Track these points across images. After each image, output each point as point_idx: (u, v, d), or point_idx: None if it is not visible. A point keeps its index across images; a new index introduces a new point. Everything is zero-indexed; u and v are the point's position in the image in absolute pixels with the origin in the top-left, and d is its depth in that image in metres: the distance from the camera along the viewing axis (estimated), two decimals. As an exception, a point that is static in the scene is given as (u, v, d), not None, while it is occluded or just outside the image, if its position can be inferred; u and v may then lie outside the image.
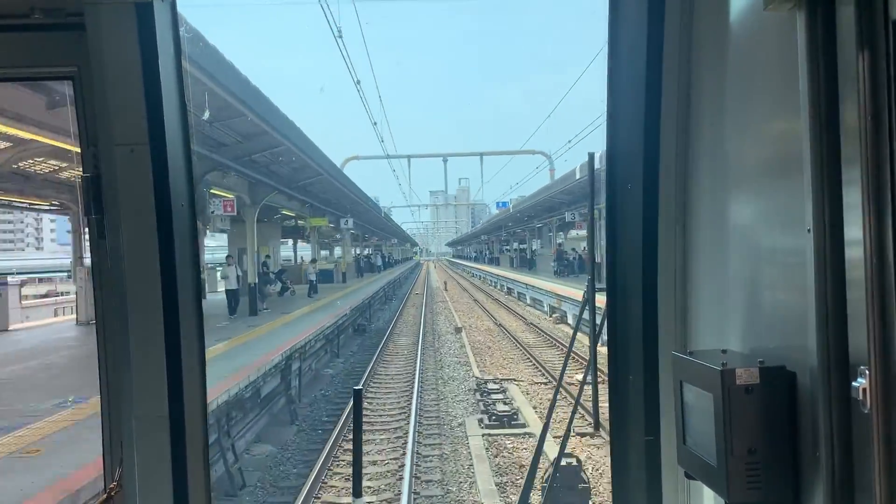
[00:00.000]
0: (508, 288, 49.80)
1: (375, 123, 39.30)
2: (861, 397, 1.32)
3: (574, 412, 4.28)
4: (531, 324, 29.54)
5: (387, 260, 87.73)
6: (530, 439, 12.80)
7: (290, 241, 56.73)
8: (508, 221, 68.40)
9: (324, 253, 65.71)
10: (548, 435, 3.93)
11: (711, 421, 1.60)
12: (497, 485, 10.46)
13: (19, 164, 18.02)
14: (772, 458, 1.55)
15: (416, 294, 54.28)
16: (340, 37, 22.47)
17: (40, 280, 53.73)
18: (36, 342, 18.63)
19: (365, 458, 11.09)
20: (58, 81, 2.31)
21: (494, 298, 45.72)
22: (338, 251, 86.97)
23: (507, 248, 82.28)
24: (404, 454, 11.92)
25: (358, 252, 63.42)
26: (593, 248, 3.47)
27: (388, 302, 44.87)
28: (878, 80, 1.28)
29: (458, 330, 27.97)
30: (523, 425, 13.66)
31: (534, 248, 65.58)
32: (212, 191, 22.00)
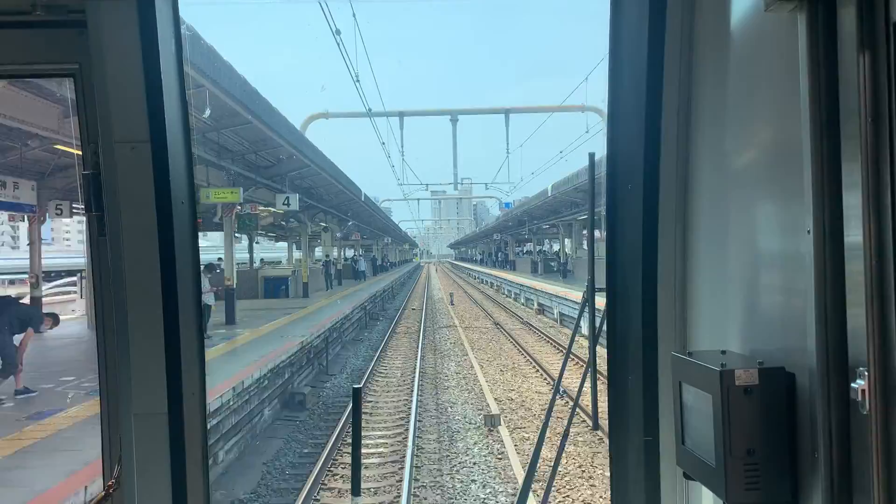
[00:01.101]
0: (542, 305, 34.62)
1: (370, 110, 32.37)
2: (860, 399, 1.32)
3: (573, 412, 4.28)
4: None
5: (378, 263, 69.33)
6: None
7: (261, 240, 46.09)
8: (537, 212, 49.87)
9: (298, 255, 46.45)
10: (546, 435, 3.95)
11: (710, 421, 1.60)
12: None
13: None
14: (770, 459, 1.55)
15: (412, 310, 39.09)
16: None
17: (11, 282, 42.47)
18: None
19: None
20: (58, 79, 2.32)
21: (524, 322, 30.54)
22: (320, 252, 62.48)
23: (526, 249, 68.17)
24: None
25: (328, 255, 44.03)
26: (593, 249, 3.48)
27: (368, 328, 30.14)
28: (878, 82, 1.28)
29: (491, 422, 13.03)
30: None
31: (567, 249, 49.36)
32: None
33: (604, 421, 2.43)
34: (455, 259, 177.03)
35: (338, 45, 20.65)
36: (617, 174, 2.18)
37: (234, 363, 13.94)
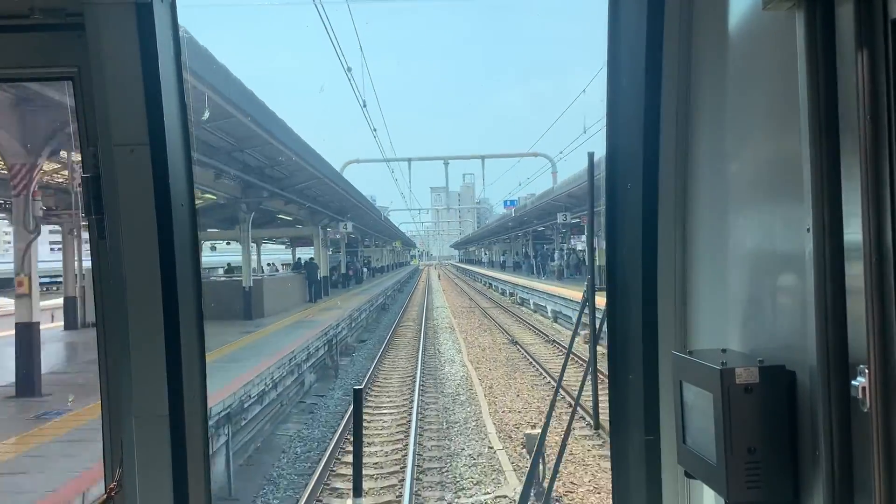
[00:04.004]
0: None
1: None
2: (860, 396, 1.32)
3: (574, 412, 4.28)
4: None
5: (332, 275, 40.74)
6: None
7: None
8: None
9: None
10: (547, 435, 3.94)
11: (711, 420, 1.60)
12: None
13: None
14: (771, 458, 1.55)
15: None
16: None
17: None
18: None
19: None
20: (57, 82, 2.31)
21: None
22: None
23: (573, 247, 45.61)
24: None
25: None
26: (593, 249, 3.48)
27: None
28: (877, 79, 1.28)
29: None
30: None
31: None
32: None
33: (605, 420, 2.43)
34: (459, 261, 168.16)
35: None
36: (616, 173, 2.18)
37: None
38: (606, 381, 2.30)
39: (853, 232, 1.34)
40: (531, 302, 36.98)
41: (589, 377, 3.50)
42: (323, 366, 20.36)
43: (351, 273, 49.61)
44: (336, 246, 45.56)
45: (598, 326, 2.79)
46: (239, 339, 19.01)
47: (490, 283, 61.31)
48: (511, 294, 44.83)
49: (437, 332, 29.40)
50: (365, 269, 60.47)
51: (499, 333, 27.65)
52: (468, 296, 51.69)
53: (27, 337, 12.60)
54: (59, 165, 17.15)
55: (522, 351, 22.65)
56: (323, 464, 11.47)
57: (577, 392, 3.71)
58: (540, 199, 41.83)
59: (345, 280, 46.08)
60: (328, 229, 37.19)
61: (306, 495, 10.09)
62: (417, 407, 15.25)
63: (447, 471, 11.48)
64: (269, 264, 49.57)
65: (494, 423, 13.83)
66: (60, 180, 19.19)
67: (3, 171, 16.65)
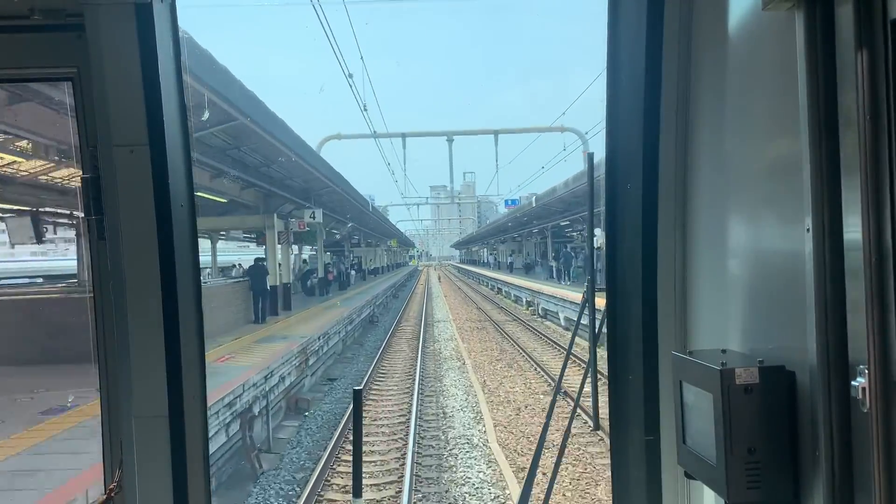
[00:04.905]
0: None
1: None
2: (860, 396, 1.32)
3: (574, 413, 4.28)
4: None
5: (306, 279, 34.78)
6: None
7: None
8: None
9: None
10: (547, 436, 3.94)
11: (711, 421, 1.60)
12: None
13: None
14: (771, 458, 1.55)
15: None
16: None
17: None
18: None
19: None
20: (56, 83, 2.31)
21: None
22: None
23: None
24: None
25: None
26: (593, 248, 3.48)
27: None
28: (876, 80, 1.28)
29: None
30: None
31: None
32: None
33: (605, 421, 2.43)
34: (460, 261, 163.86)
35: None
36: (616, 174, 2.18)
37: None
38: (606, 381, 2.30)
39: (853, 232, 1.34)
40: (560, 315, 27.69)
41: (589, 377, 3.51)
42: (237, 453, 11.55)
43: (331, 277, 39.52)
44: (311, 241, 36.21)
45: (597, 327, 2.79)
46: (42, 424, 8.94)
47: (499, 288, 51.85)
48: (529, 303, 35.95)
49: (439, 368, 19.58)
50: (353, 272, 50.72)
51: (531, 371, 18.09)
52: (475, 304, 41.75)
53: None
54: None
55: (584, 415, 12.06)
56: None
57: (576, 392, 3.71)
58: (577, 182, 30.22)
59: (323, 286, 36.30)
60: (291, 219, 27.72)
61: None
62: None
63: None
64: (234, 265, 38.29)
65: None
66: None
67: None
